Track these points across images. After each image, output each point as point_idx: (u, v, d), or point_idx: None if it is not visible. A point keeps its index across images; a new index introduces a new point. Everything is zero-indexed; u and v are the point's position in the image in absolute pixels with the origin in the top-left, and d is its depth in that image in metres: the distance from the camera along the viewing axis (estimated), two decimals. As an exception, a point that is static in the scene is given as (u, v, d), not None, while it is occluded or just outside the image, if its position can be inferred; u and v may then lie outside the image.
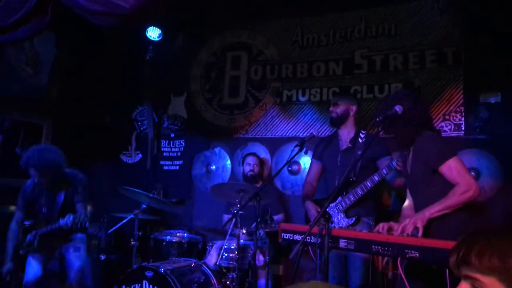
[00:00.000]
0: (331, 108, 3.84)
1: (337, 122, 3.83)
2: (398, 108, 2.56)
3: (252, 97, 5.59)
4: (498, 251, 1.09)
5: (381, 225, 2.62)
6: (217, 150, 5.62)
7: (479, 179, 4.19)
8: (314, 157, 4.06)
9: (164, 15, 4.51)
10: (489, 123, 4.28)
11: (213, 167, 5.58)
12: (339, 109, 3.79)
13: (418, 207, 2.65)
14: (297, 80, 5.33)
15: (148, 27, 5.16)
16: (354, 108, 3.83)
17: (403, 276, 2.20)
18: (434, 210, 2.40)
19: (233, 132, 5.60)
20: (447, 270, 2.13)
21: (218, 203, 4.97)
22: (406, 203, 2.89)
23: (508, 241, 1.10)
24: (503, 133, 4.14)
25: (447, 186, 2.47)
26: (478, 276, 1.10)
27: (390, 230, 2.57)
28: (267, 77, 5.52)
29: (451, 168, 2.46)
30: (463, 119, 4.43)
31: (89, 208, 4.17)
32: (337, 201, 3.54)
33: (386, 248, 2.22)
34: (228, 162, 5.55)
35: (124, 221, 4.41)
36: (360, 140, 3.65)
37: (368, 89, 4.93)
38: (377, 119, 2.52)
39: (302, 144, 3.62)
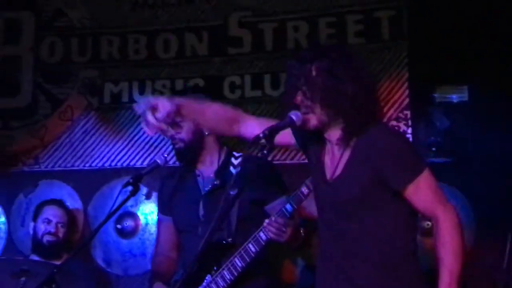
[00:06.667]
0: (173, 133, 3.36)
1: (189, 153, 3.36)
2: (294, 116, 2.30)
3: (46, 95, 4.76)
4: None
5: None
6: (-22, 199, 4.85)
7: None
8: (161, 211, 3.52)
9: None
10: (452, 136, 3.98)
11: (-28, 230, 4.91)
12: (184, 132, 3.31)
13: (335, 259, 2.24)
14: (129, 64, 4.62)
15: None
16: None
17: None
18: None
19: (11, 162, 4.78)
20: None
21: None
22: None
23: None
24: (474, 153, 3.83)
25: (400, 213, 2.18)
26: None
27: None
28: (73, 59, 4.71)
29: (422, 187, 2.14)
30: (409, 130, 4.07)
31: None
32: (203, 284, 3.18)
33: None
34: (2, 219, 4.77)
35: None
36: (233, 170, 3.28)
37: (253, 81, 4.39)
38: (261, 135, 2.14)
39: (138, 181, 3.03)
